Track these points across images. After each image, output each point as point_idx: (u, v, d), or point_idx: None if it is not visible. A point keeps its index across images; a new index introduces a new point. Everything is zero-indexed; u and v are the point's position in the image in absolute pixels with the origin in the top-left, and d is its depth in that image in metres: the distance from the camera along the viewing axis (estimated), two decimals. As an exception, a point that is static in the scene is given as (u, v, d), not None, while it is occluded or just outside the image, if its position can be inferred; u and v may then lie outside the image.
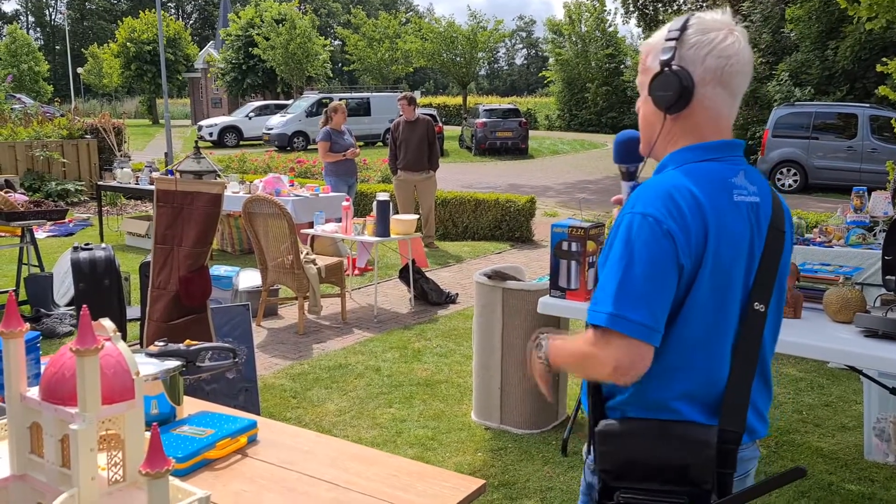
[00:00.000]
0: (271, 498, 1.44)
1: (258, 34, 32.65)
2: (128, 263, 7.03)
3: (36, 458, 1.27)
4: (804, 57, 17.33)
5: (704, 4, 21.04)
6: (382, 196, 5.92)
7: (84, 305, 1.20)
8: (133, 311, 5.39)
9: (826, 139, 14.49)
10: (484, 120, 22.71)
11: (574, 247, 2.89)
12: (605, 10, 33.44)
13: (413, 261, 6.40)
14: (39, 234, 8.42)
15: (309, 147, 23.77)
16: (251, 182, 7.71)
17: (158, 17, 16.00)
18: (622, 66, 33.24)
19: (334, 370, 4.78)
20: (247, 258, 7.82)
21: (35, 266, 6.02)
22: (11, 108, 15.28)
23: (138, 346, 4.10)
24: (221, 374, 2.97)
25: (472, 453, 3.65)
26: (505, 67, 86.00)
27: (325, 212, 6.64)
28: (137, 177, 8.90)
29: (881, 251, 3.12)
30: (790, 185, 14.81)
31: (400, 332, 5.62)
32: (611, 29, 33.75)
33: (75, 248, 5.13)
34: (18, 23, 57.51)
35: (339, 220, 6.32)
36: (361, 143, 9.27)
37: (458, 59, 32.50)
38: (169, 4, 70.88)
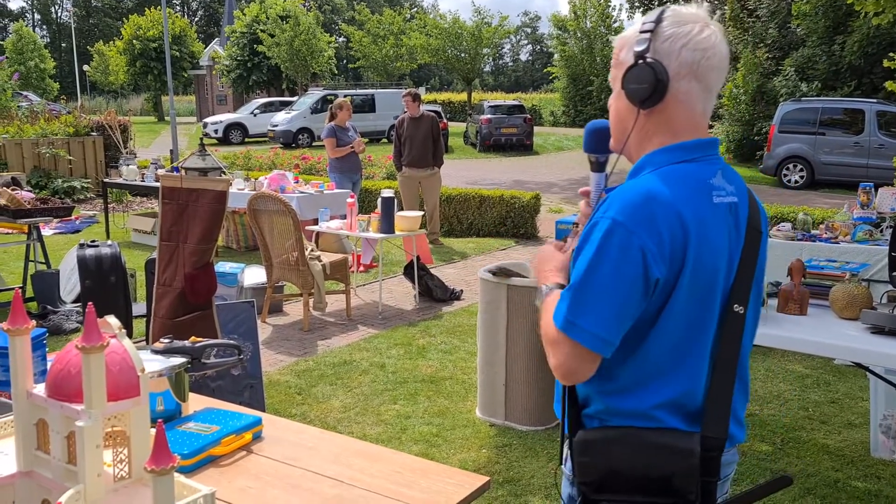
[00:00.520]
0: (276, 494, 1.45)
1: (263, 31, 32.71)
2: (134, 260, 7.06)
3: (42, 454, 1.27)
4: (811, 52, 17.23)
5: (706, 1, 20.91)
6: (387, 193, 5.92)
7: (90, 302, 1.21)
8: (139, 307, 5.40)
9: (833, 135, 14.40)
10: (489, 116, 22.66)
11: (579, 243, 2.88)
12: (610, 6, 33.32)
13: (418, 257, 6.41)
14: (46, 232, 8.43)
15: (314, 144, 23.77)
16: (256, 179, 7.72)
17: (164, 15, 16.02)
18: (627, 62, 33.06)
19: (339, 367, 4.78)
20: (252, 255, 7.83)
21: (41, 263, 6.04)
22: (18, 106, 15.32)
23: (144, 343, 4.12)
24: (227, 370, 2.98)
25: (477, 450, 3.65)
26: (510, 63, 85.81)
27: (330, 208, 6.67)
28: (143, 174, 8.91)
29: (888, 247, 3.11)
30: (797, 181, 14.72)
31: (405, 328, 5.62)
32: (616, 25, 33.55)
33: (81, 245, 5.15)
34: (25, 20, 57.69)
35: (344, 217, 6.33)
36: (366, 140, 9.27)
37: (462, 55, 32.43)
38: (174, 2, 70.94)
